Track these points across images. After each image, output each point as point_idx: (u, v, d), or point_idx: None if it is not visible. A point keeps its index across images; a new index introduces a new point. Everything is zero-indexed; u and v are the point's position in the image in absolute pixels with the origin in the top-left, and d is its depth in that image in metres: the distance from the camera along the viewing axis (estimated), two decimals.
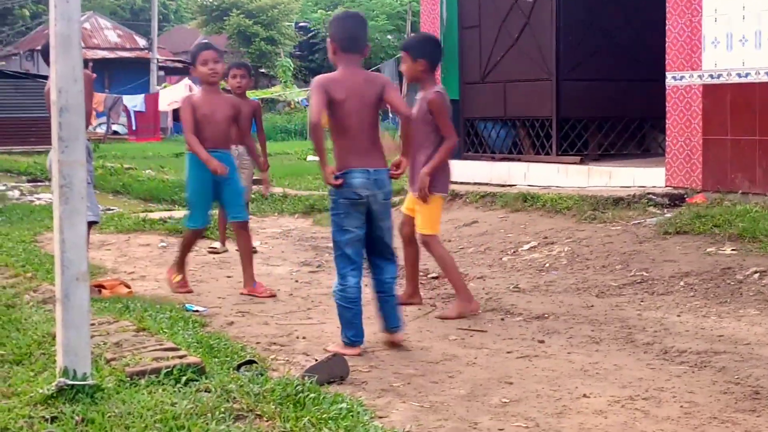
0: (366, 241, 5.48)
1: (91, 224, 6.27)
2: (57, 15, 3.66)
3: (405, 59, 6.48)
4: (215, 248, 9.39)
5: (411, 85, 6.02)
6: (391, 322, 5.54)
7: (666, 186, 9.72)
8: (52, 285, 5.89)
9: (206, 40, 7.47)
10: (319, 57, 49.55)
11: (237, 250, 7.50)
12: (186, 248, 7.33)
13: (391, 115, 34.93)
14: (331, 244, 9.57)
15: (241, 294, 7.18)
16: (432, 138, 6.34)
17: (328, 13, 51.16)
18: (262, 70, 48.05)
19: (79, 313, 3.72)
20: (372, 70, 26.27)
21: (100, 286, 6.91)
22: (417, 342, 5.65)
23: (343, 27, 5.52)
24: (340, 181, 5.29)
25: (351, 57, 5.45)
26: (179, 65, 46.25)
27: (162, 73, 43.52)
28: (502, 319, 6.29)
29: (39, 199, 14.69)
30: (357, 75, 5.45)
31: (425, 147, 6.33)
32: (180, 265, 7.32)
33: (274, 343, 5.57)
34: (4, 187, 17.22)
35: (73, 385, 3.70)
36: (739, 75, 9.12)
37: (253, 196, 10.97)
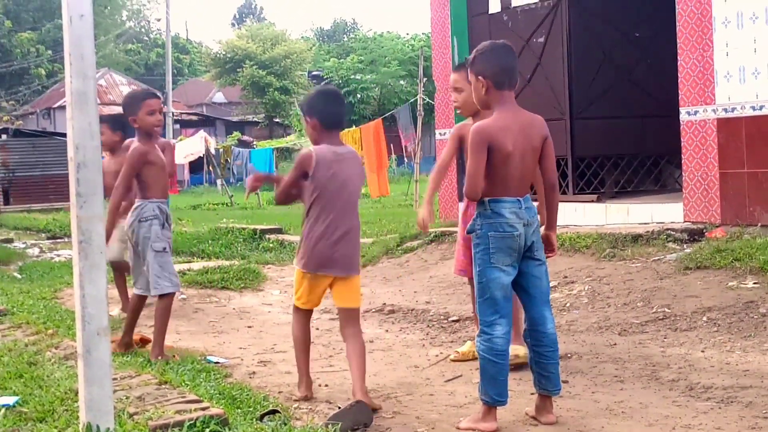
0: (519, 287, 4.76)
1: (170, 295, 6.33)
2: (73, 72, 3.70)
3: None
4: None
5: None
6: (553, 383, 4.75)
7: (684, 221, 9.69)
8: (73, 341, 5.90)
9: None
10: None
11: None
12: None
13: (406, 159, 35.00)
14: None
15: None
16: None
17: (341, 61, 51.56)
18: (277, 120, 48.36)
19: (101, 368, 3.71)
20: (386, 116, 26.40)
21: (145, 341, 6.74)
22: (440, 386, 5.62)
23: (493, 60, 4.70)
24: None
25: (506, 94, 4.70)
26: (194, 118, 46.67)
27: (177, 126, 43.88)
28: None
29: (59, 255, 14.72)
30: (519, 116, 4.70)
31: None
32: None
33: None
34: (23, 245, 17.29)
35: None
36: (753, 108, 9.12)
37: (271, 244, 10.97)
